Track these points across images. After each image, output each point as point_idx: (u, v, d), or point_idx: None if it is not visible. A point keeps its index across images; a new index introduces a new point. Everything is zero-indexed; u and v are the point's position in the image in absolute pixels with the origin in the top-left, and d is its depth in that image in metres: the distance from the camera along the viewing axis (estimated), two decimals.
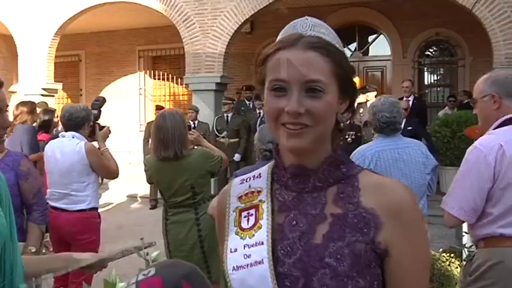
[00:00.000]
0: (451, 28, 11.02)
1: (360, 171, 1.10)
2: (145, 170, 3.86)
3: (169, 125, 3.59)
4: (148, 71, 13.94)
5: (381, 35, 12.15)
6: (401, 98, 8.80)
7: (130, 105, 13.82)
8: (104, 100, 4.42)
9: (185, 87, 11.63)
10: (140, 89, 13.93)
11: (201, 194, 3.72)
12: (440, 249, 5.41)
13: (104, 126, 4.23)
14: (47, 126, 5.82)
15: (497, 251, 2.46)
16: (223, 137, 8.99)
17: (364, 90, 9.41)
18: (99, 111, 4.28)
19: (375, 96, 9.01)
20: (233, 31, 9.59)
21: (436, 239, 6.67)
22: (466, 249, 5.09)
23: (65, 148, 3.95)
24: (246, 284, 1.03)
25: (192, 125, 9.18)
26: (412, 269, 1.04)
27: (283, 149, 1.10)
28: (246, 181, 1.16)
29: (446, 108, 9.99)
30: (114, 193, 10.25)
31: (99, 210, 4.27)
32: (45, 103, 7.82)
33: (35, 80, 11.01)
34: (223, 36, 9.66)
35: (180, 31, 9.99)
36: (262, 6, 9.35)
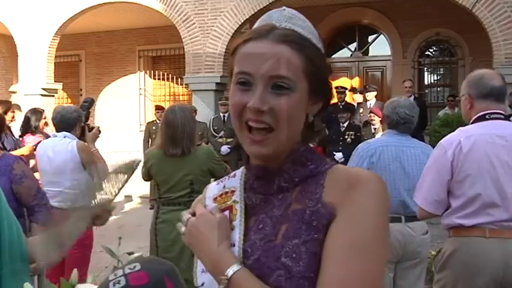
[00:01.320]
0: (451, 28, 11.01)
1: (330, 167, 1.01)
2: (144, 162, 3.71)
3: (180, 120, 3.48)
4: (148, 71, 13.94)
5: (381, 35, 12.14)
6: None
7: (131, 105, 13.81)
8: (92, 101, 4.50)
9: (185, 87, 11.63)
10: (140, 89, 13.92)
11: (198, 192, 3.60)
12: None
13: (93, 127, 4.28)
14: (33, 127, 5.61)
15: (457, 240, 2.62)
16: (220, 137, 9.00)
17: (364, 90, 9.42)
18: (88, 112, 4.35)
19: (375, 97, 9.03)
20: (233, 31, 9.59)
21: (436, 239, 6.66)
22: None
23: (57, 147, 4.02)
24: (214, 286, 0.97)
25: None
26: (352, 231, 0.89)
27: (248, 153, 1.03)
28: (222, 181, 1.11)
29: (446, 108, 9.99)
30: None
31: None
32: (18, 106, 7.62)
33: (35, 80, 11.01)
34: (223, 36, 9.66)
35: (180, 31, 9.99)
36: (262, 6, 9.35)
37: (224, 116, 9.11)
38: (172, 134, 3.51)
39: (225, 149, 8.84)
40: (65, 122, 4.06)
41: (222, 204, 1.05)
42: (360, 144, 3.67)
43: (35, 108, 6.17)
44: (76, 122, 4.09)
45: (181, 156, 3.53)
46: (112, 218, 1.67)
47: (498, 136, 2.57)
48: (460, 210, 2.58)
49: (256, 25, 1.02)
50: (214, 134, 9.07)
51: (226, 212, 1.03)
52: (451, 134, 2.73)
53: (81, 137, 4.17)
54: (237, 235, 0.99)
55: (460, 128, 2.74)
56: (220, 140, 8.97)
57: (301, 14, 1.04)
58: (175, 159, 3.55)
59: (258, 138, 0.95)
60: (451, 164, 2.60)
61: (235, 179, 1.08)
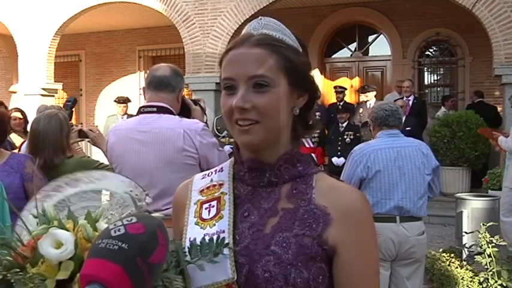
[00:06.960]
0: (451, 28, 11.01)
1: (317, 172, 1.13)
2: None
3: (42, 129, 3.30)
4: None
5: (381, 35, 12.14)
6: (402, 98, 8.80)
7: (130, 105, 13.80)
8: (75, 101, 4.56)
9: (185, 87, 11.65)
10: (140, 89, 13.93)
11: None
12: (440, 249, 5.41)
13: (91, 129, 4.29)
14: None
15: None
16: (223, 137, 9.02)
17: (363, 90, 9.42)
18: (71, 112, 4.37)
19: (375, 97, 9.03)
20: (233, 31, 9.59)
21: (436, 239, 6.68)
22: (466, 249, 5.12)
23: None
24: (202, 271, 1.03)
25: None
26: (359, 269, 1.06)
27: (240, 145, 1.13)
28: (208, 175, 1.19)
29: (442, 108, 10.03)
30: None
31: None
32: None
33: (35, 80, 11.01)
34: (223, 36, 9.66)
35: (180, 31, 10.00)
36: (262, 6, 9.36)
37: None
38: (34, 144, 3.34)
39: (227, 148, 8.84)
40: None
41: (209, 195, 1.14)
42: (354, 148, 3.67)
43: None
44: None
45: (48, 168, 3.24)
46: None
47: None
48: None
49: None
50: (218, 133, 9.09)
51: (214, 203, 1.12)
52: None
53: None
54: (226, 223, 1.08)
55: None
56: (223, 139, 8.99)
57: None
58: (44, 171, 3.25)
59: (246, 128, 1.05)
60: None
61: (223, 173, 1.17)
